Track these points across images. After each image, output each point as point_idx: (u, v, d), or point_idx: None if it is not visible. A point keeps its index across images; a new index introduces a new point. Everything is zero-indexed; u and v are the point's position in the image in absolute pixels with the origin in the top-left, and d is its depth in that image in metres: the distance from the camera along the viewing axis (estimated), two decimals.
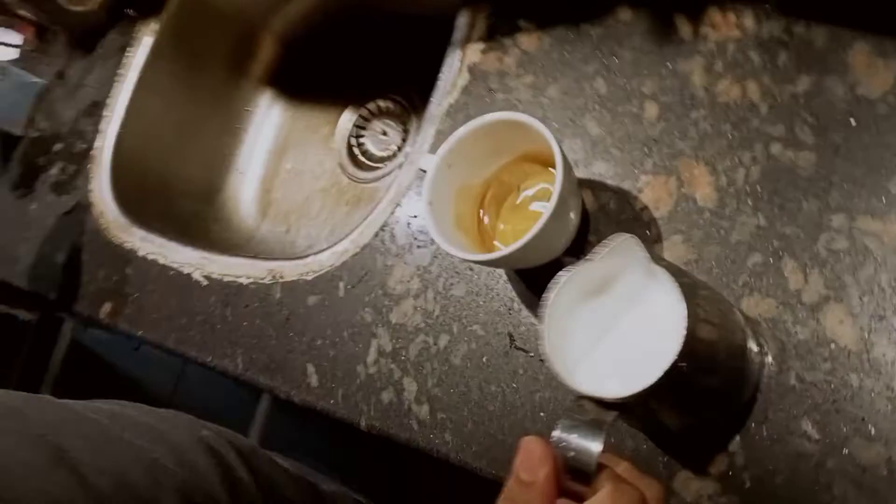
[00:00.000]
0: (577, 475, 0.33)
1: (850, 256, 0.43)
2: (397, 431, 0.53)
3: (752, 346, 0.43)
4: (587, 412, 0.35)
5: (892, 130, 0.43)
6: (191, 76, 0.83)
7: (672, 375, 0.34)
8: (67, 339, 1.54)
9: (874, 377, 0.40)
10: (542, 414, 0.49)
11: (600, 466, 0.33)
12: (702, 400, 0.41)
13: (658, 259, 0.37)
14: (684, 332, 0.34)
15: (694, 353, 0.36)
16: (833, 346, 0.42)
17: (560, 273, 0.38)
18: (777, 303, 0.44)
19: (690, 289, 0.37)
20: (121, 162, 0.77)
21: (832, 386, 0.41)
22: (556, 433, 0.34)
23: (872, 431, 0.40)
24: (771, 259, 0.45)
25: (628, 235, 0.38)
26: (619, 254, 0.38)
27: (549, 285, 0.38)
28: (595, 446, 0.33)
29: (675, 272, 0.37)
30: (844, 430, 0.40)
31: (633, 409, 0.36)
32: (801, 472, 0.41)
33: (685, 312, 0.34)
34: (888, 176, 0.43)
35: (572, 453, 0.33)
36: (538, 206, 0.52)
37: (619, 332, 0.39)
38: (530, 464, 0.34)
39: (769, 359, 0.43)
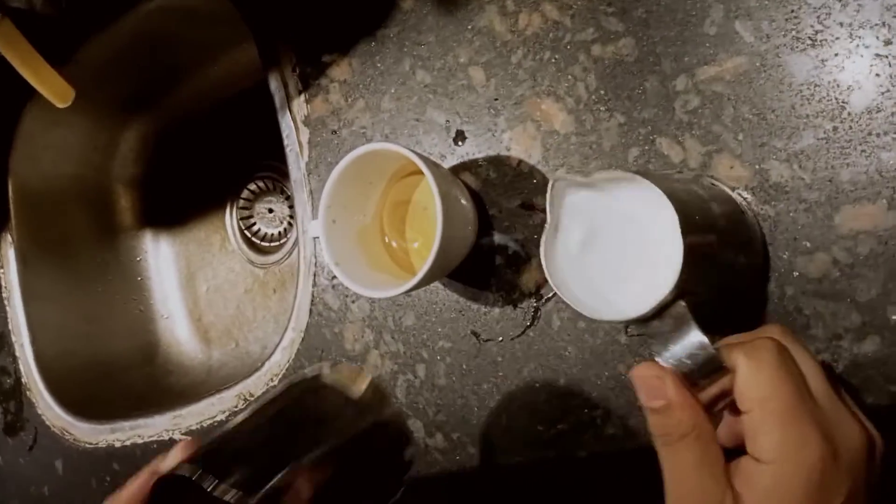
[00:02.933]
0: (707, 376, 0.30)
1: (708, 108, 0.44)
2: (427, 471, 0.54)
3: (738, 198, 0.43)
4: (663, 324, 0.32)
5: None
6: (68, 262, 0.81)
7: (699, 248, 0.32)
8: None
9: (783, 199, 0.42)
10: (536, 385, 0.50)
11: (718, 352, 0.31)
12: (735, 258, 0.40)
13: (590, 174, 0.35)
14: (672, 205, 0.32)
15: (702, 222, 0.34)
16: (737, 191, 0.44)
17: (541, 243, 0.37)
18: None
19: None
20: (53, 375, 0.76)
21: None
22: (662, 360, 0.31)
23: (808, 244, 0.42)
24: (646, 146, 0.46)
25: (555, 178, 0.36)
26: (559, 198, 0.37)
27: (541, 257, 0.36)
28: (697, 339, 0.30)
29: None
30: (787, 255, 0.42)
31: (683, 292, 0.32)
32: (770, 311, 0.43)
33: (663, 196, 0.32)
34: (698, 22, 0.44)
35: (688, 362, 0.31)
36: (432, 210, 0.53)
37: (619, 250, 0.35)
38: (651, 389, 0.30)
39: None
